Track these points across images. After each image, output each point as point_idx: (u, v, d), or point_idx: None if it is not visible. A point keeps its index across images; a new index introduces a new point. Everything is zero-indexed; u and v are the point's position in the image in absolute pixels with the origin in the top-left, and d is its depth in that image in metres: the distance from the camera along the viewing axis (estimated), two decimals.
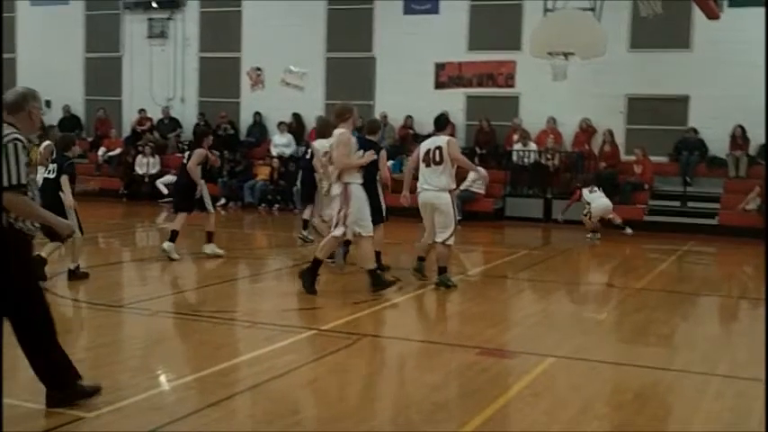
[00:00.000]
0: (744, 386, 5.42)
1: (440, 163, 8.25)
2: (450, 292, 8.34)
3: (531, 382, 5.32)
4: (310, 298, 8.60)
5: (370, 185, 9.00)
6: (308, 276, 7.90)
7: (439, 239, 8.30)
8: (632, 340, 6.82)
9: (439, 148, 8.28)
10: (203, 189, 10.14)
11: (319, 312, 7.52)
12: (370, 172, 8.80)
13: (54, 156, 8.53)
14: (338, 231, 7.86)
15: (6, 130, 4.23)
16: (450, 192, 8.33)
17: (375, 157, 8.16)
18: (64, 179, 8.17)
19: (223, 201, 17.29)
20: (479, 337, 6.56)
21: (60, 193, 8.04)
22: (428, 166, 8.31)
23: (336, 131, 8.02)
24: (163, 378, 5.32)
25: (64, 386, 4.42)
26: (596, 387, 5.42)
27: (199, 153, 10.03)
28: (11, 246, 4.23)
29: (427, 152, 8.34)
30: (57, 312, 6.88)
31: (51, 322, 4.41)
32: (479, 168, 9.20)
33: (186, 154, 10.30)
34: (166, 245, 9.93)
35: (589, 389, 5.29)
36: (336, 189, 7.90)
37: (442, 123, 8.73)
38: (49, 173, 8.36)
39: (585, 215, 13.69)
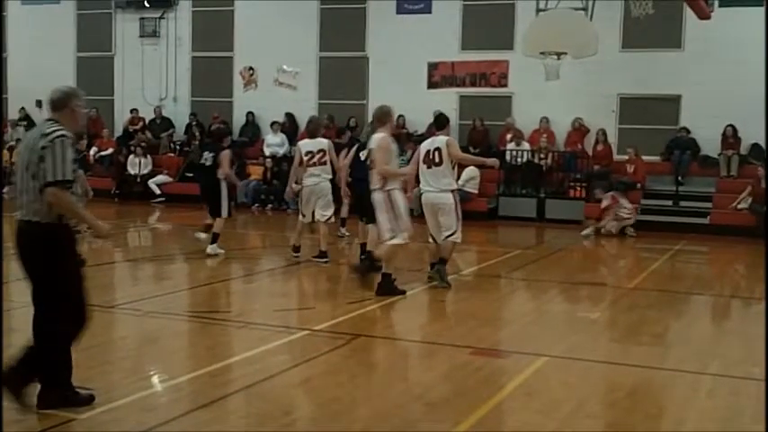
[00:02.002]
0: (736, 384, 5.44)
1: (440, 164, 8.26)
2: (444, 291, 8.33)
3: (525, 382, 5.32)
4: (302, 298, 8.60)
5: (368, 183, 9.06)
6: (364, 270, 7.87)
7: (442, 237, 8.33)
8: (625, 339, 6.83)
9: (438, 149, 8.29)
10: (223, 191, 10.22)
11: (312, 312, 7.52)
12: (368, 169, 8.89)
13: None
14: (399, 239, 7.80)
15: (52, 127, 4.33)
16: (452, 192, 8.35)
17: (414, 169, 8.15)
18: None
19: None
20: (472, 336, 6.56)
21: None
22: (429, 167, 8.31)
23: (376, 136, 7.99)
24: (155, 379, 5.30)
25: (60, 386, 4.41)
26: (589, 386, 5.42)
27: (227, 155, 10.18)
28: (58, 239, 4.30)
29: (427, 153, 8.35)
30: None
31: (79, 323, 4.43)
32: (488, 159, 9.20)
33: (208, 155, 10.31)
34: (210, 248, 10.17)
35: (582, 388, 5.30)
36: (379, 196, 7.84)
37: (442, 123, 8.75)
38: None
39: (629, 217, 14.07)
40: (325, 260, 9.84)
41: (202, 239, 10.25)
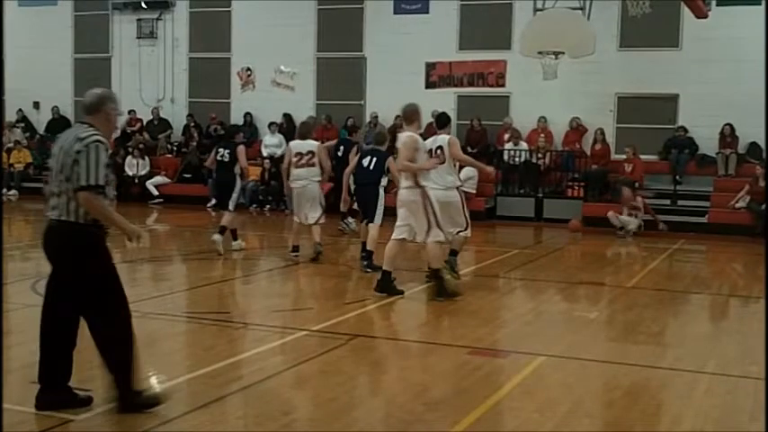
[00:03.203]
0: (733, 383, 5.45)
1: (442, 162, 8.31)
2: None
3: (523, 381, 5.33)
4: (301, 299, 8.60)
5: (372, 188, 9.24)
6: (439, 288, 7.86)
7: (453, 234, 8.40)
8: (623, 338, 6.84)
9: (440, 147, 8.35)
10: (237, 186, 10.60)
11: (310, 313, 7.52)
12: (373, 175, 9.26)
13: None
14: (438, 236, 7.80)
15: (88, 131, 4.35)
16: (457, 189, 8.39)
17: (438, 162, 8.18)
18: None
19: (213, 201, 17.23)
20: (471, 336, 6.56)
21: None
22: None
23: (403, 134, 7.95)
24: (153, 380, 5.29)
25: (59, 388, 4.43)
26: (587, 385, 5.43)
27: (243, 150, 10.58)
28: (90, 238, 4.35)
29: (429, 152, 8.37)
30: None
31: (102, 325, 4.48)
32: (487, 167, 9.26)
33: (224, 152, 10.57)
34: (234, 244, 10.66)
35: (580, 387, 5.31)
36: (410, 194, 7.80)
37: (443, 122, 8.81)
38: None
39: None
40: (319, 251, 10.10)
41: (218, 241, 10.39)
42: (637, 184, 15.32)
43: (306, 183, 9.95)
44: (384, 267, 8.00)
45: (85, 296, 4.38)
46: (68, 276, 4.37)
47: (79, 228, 4.32)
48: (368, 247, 9.31)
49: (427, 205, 7.79)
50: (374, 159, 9.35)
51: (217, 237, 10.37)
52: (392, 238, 8.02)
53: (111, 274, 4.45)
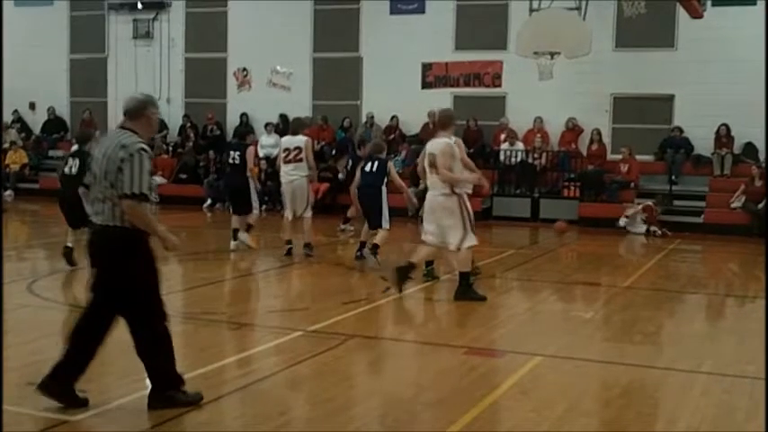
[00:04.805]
0: (729, 383, 5.46)
1: None
2: (437, 291, 8.34)
3: (519, 381, 5.33)
4: (297, 299, 8.59)
5: (374, 191, 9.30)
6: (467, 292, 7.83)
7: None
8: (619, 338, 6.85)
9: None
10: (252, 188, 10.80)
11: (306, 313, 7.51)
12: (375, 178, 9.50)
13: (74, 149, 8.67)
14: (472, 241, 7.75)
15: (131, 138, 4.36)
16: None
17: (480, 178, 8.26)
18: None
19: (209, 202, 17.24)
20: (467, 336, 6.57)
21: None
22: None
23: (438, 141, 7.82)
24: (149, 381, 5.27)
25: (66, 385, 4.45)
26: (583, 385, 5.44)
27: (252, 152, 10.75)
28: (139, 241, 4.39)
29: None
30: (41, 315, 6.87)
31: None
32: (484, 180, 9.30)
33: (235, 154, 10.73)
34: (242, 235, 10.78)
35: (576, 387, 5.31)
36: (448, 201, 7.71)
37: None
38: (70, 168, 8.50)
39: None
40: (310, 250, 10.24)
41: (243, 240, 10.73)
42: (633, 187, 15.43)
43: (292, 178, 10.15)
44: (412, 259, 8.03)
45: (128, 297, 4.44)
46: (113, 278, 4.42)
47: (124, 232, 4.37)
48: (376, 242, 9.46)
49: (464, 212, 7.73)
50: (376, 163, 9.62)
51: (242, 235, 10.70)
52: (427, 242, 7.95)
53: (153, 276, 4.51)
